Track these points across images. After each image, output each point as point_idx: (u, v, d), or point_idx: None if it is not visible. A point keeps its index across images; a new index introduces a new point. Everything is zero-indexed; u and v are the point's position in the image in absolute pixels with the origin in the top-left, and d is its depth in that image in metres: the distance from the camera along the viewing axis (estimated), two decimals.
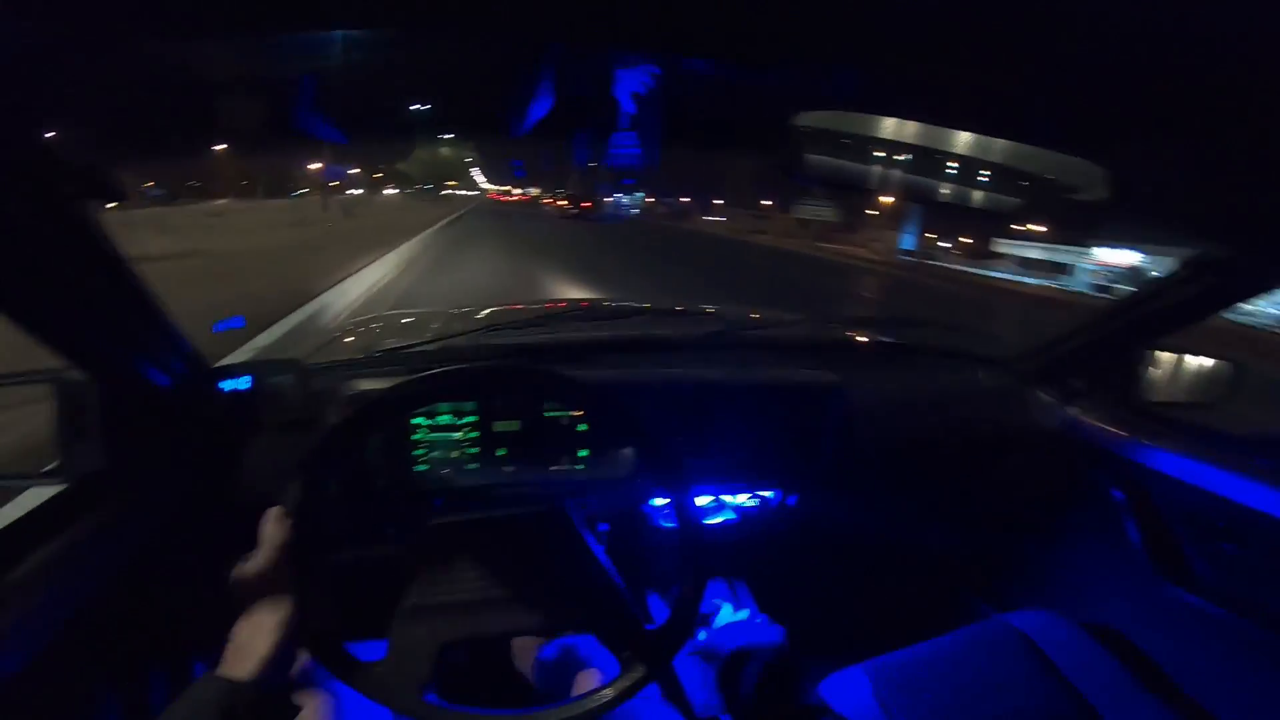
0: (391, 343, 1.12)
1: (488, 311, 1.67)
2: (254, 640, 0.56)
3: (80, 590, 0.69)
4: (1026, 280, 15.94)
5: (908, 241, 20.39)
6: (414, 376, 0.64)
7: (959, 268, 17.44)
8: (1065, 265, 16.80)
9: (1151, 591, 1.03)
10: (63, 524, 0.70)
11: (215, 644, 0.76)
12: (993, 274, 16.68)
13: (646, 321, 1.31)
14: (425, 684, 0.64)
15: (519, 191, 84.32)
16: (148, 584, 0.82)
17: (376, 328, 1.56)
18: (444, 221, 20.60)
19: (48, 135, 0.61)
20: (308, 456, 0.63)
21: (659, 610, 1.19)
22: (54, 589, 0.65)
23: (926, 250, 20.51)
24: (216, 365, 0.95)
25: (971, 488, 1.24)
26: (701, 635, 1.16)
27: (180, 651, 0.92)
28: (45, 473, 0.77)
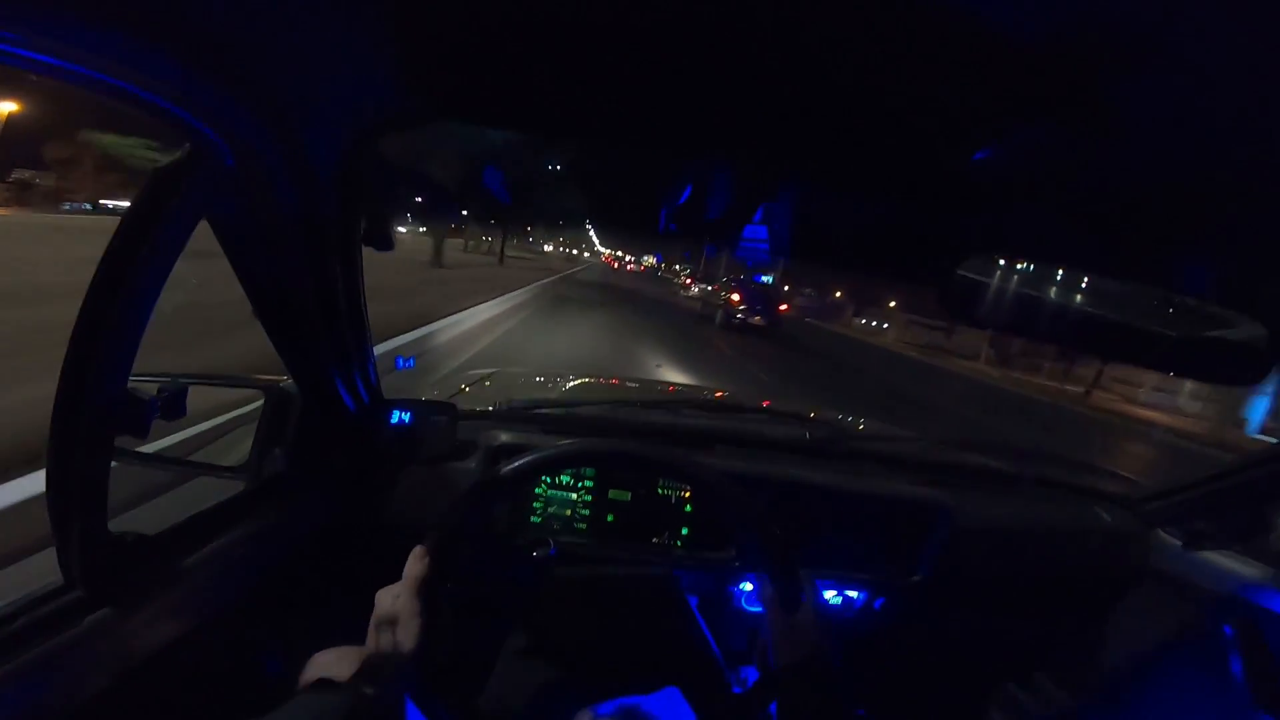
0: (517, 400, 1.25)
1: (604, 384, 1.75)
2: (386, 659, 0.63)
3: (238, 580, 0.78)
4: None
5: (1259, 409, 12.74)
6: (589, 444, 0.73)
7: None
8: None
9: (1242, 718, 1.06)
10: (239, 518, 0.81)
11: (321, 646, 0.82)
12: None
13: (761, 420, 1.35)
14: None
15: (631, 260, 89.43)
16: (290, 584, 0.91)
17: (489, 383, 1.74)
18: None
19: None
20: (462, 500, 0.71)
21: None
22: (223, 573, 0.75)
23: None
24: (388, 399, 1.09)
25: (1074, 618, 1.28)
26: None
27: (295, 649, 1.01)
28: (231, 468, 0.91)
